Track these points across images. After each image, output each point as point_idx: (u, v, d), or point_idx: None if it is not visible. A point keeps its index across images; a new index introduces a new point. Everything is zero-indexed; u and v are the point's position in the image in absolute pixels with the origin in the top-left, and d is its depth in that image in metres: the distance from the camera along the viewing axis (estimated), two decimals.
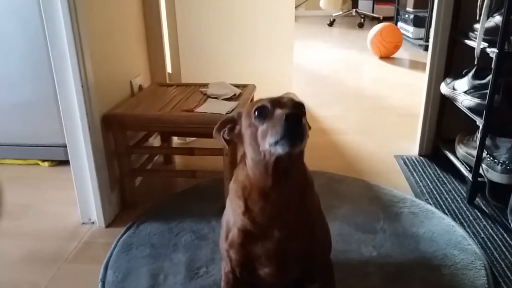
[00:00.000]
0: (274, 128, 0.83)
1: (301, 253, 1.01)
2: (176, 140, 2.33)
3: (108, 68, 1.73)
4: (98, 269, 1.43)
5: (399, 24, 5.60)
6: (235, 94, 1.84)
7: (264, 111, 0.87)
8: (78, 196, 1.67)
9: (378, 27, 4.47)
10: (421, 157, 2.23)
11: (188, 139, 2.34)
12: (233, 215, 0.98)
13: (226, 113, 1.61)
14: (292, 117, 0.81)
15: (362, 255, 1.48)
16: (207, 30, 2.43)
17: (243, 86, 1.96)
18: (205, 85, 1.95)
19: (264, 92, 3.17)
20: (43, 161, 2.16)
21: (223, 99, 1.79)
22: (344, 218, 1.68)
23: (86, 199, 1.66)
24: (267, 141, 0.84)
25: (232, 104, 1.70)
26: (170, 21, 2.22)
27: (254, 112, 0.87)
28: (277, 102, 0.88)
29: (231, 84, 1.94)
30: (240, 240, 0.97)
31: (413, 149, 2.31)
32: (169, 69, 2.28)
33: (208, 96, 1.83)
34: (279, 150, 0.83)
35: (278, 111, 0.85)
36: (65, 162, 1.90)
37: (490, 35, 1.75)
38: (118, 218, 1.73)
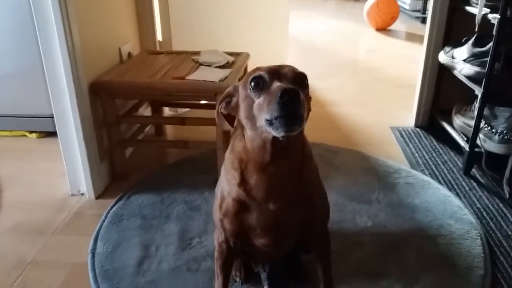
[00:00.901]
0: (269, 105, 0.75)
1: (299, 223, 0.98)
2: (167, 112, 2.27)
3: (96, 35, 1.66)
4: (88, 241, 1.40)
5: None
6: (228, 62, 1.78)
7: (261, 81, 0.80)
8: (67, 167, 1.62)
9: None
10: (417, 128, 2.20)
11: (180, 110, 2.28)
12: (228, 185, 0.94)
13: (219, 81, 1.56)
14: (289, 93, 0.73)
15: (357, 225, 1.46)
16: None
17: (236, 54, 1.90)
18: (197, 53, 1.89)
19: (258, 62, 3.08)
20: (31, 132, 2.11)
21: (216, 67, 1.74)
22: (339, 189, 1.65)
23: (75, 170, 1.62)
24: (262, 118, 0.77)
25: (225, 71, 1.65)
26: None
27: (250, 82, 0.81)
28: (275, 72, 0.81)
29: (225, 53, 1.88)
30: (234, 209, 0.93)
31: (409, 120, 2.27)
32: (159, 36, 2.21)
33: (200, 64, 1.77)
34: (273, 132, 0.77)
35: (276, 84, 0.78)
36: (53, 134, 1.85)
37: (492, 1, 1.69)
38: (108, 190, 1.69)
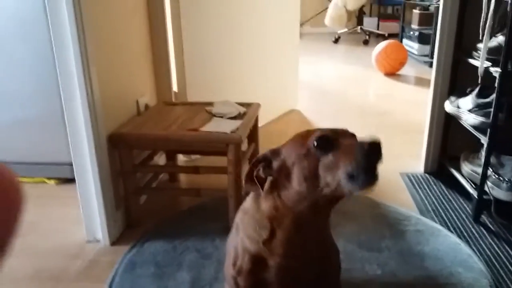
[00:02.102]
0: (350, 159, 0.76)
1: (315, 277, 1.01)
2: (181, 158, 2.34)
3: (115, 87, 1.75)
4: None
5: (404, 41, 5.64)
6: (240, 113, 1.86)
7: (327, 141, 0.81)
8: (84, 214, 1.68)
9: (383, 44, 4.50)
10: (426, 174, 2.23)
11: (194, 156, 2.35)
12: (248, 241, 0.96)
13: (231, 132, 1.63)
14: (375, 147, 0.75)
15: (367, 274, 1.48)
16: (213, 48, 2.47)
17: (247, 105, 1.98)
18: (211, 104, 1.97)
19: (270, 109, 3.20)
20: (49, 178, 2.18)
21: (228, 118, 1.81)
22: (348, 236, 1.68)
23: (91, 217, 1.67)
24: (337, 175, 0.77)
25: (237, 123, 1.72)
26: (176, 40, 2.25)
27: (316, 141, 0.81)
28: (337, 131, 0.85)
29: (236, 103, 1.96)
30: (250, 267, 0.96)
31: (418, 166, 2.30)
32: (175, 87, 2.31)
33: (213, 115, 1.85)
34: (351, 187, 0.76)
35: (348, 141, 0.80)
36: (71, 180, 1.92)
37: (493, 55, 1.76)
38: (123, 236, 1.74)
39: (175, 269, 1.52)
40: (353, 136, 0.85)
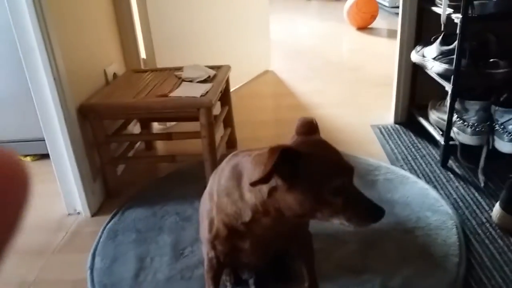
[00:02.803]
0: (357, 213, 0.84)
1: (285, 239, 1.07)
2: (156, 126, 2.35)
3: (80, 58, 1.73)
4: (86, 258, 1.48)
5: None
6: (209, 76, 1.86)
7: (342, 187, 0.82)
8: (61, 188, 1.70)
9: None
10: (396, 125, 2.29)
11: (169, 124, 2.36)
12: (225, 218, 0.98)
13: (201, 96, 1.64)
14: (380, 214, 0.85)
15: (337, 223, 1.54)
16: (179, 12, 2.43)
17: (217, 68, 1.98)
18: (180, 69, 1.97)
19: (242, 72, 3.19)
20: (25, 156, 2.18)
21: (198, 82, 1.82)
22: None
23: (70, 190, 1.69)
24: (341, 219, 0.84)
25: (207, 86, 1.73)
26: (140, 6, 2.21)
27: (332, 189, 0.81)
28: (350, 173, 0.85)
29: (206, 66, 1.96)
30: (226, 233, 1.00)
31: (388, 117, 2.36)
32: (143, 54, 2.29)
33: (183, 80, 1.85)
34: (346, 225, 0.85)
35: (356, 190, 0.85)
36: (47, 156, 1.92)
37: (455, 1, 1.78)
38: (103, 207, 1.77)
39: (156, 233, 1.57)
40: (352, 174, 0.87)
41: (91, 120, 1.68)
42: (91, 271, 1.41)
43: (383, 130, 2.24)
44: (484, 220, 1.53)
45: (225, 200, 0.96)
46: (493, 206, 1.56)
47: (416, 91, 2.28)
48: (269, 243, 1.04)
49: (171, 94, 1.67)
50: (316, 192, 0.81)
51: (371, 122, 2.34)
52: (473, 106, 1.80)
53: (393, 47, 2.28)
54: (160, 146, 2.24)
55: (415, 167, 1.88)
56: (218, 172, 1.02)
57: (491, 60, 1.81)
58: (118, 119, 1.89)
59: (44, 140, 1.71)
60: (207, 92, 1.67)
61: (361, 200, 0.86)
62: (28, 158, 2.17)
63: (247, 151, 1.01)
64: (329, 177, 0.82)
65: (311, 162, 0.82)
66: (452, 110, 1.81)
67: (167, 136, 1.82)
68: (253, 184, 0.82)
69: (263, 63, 3.29)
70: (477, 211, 1.58)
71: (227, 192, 0.95)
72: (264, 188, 0.86)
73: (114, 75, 2.01)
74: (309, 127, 0.92)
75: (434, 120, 2.02)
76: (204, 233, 1.06)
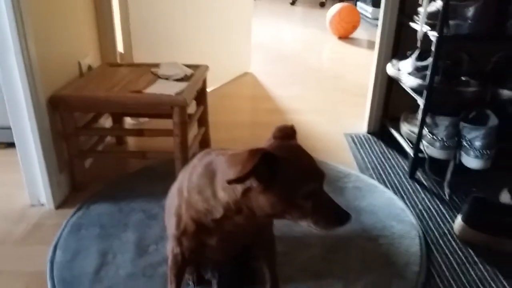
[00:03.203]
0: (324, 217, 0.87)
1: (251, 236, 1.08)
2: (129, 121, 2.32)
3: (54, 48, 1.70)
4: (47, 250, 1.44)
5: (359, 4, 5.67)
6: (186, 75, 1.85)
7: (313, 192, 0.86)
8: (26, 178, 1.66)
9: (336, 7, 4.52)
10: (369, 135, 2.32)
11: (142, 119, 2.34)
12: (194, 214, 0.98)
13: (176, 94, 1.63)
14: (345, 219, 0.88)
15: (306, 228, 1.54)
16: (161, 7, 2.41)
17: (195, 67, 1.97)
18: (157, 65, 1.95)
19: (221, 72, 3.17)
20: None
21: (174, 80, 1.80)
22: None
23: (34, 181, 1.65)
24: (310, 222, 0.87)
25: (183, 85, 1.72)
26: None
27: (304, 193, 0.85)
28: (322, 179, 0.89)
29: (184, 65, 1.95)
30: (194, 229, 1.00)
31: (362, 127, 2.39)
32: (120, 48, 2.26)
33: (159, 77, 1.83)
34: (314, 228, 0.89)
35: (326, 197, 0.89)
36: None
37: (432, 19, 1.82)
38: (69, 200, 1.74)
39: (121, 229, 1.55)
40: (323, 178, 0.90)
41: (61, 112, 1.65)
42: (51, 264, 1.38)
43: (355, 139, 2.27)
44: (446, 231, 1.57)
45: (196, 197, 0.97)
46: (456, 218, 1.60)
47: (389, 103, 2.32)
48: (236, 240, 1.05)
49: (146, 91, 1.66)
50: (288, 196, 0.85)
51: (345, 131, 2.37)
52: (443, 122, 1.84)
53: (372, 58, 2.31)
54: (132, 141, 2.21)
55: (384, 177, 1.91)
56: (189, 169, 1.02)
57: (463, 78, 1.86)
58: (89, 112, 1.86)
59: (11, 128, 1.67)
60: (182, 90, 1.66)
61: (329, 204, 0.89)
62: None
63: (220, 150, 1.02)
64: (302, 182, 0.86)
65: (287, 167, 0.85)
66: (422, 124, 1.84)
67: (138, 132, 1.80)
68: (230, 182, 0.83)
69: (243, 64, 3.29)
70: (440, 222, 1.62)
71: (199, 189, 0.96)
72: (239, 187, 0.88)
73: (89, 67, 1.98)
74: (286, 133, 0.95)
75: (405, 132, 2.06)
76: (171, 229, 1.06)
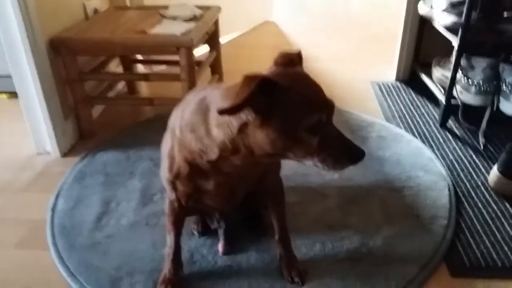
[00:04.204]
0: (332, 154, 0.74)
1: (253, 180, 0.96)
2: (142, 69, 2.22)
3: None
4: (50, 198, 1.38)
5: None
6: (195, 15, 1.71)
7: (320, 124, 0.73)
8: (30, 126, 1.59)
9: None
10: (397, 82, 2.14)
11: (156, 68, 2.22)
12: (188, 155, 0.87)
13: (181, 34, 1.50)
14: (358, 156, 0.75)
15: (323, 178, 1.43)
16: None
17: (206, 8, 1.83)
18: (166, 7, 1.82)
19: (241, 20, 2.98)
20: (1, 93, 2.06)
21: (182, 21, 1.67)
22: None
23: (39, 129, 1.59)
24: (315, 160, 0.75)
25: (190, 25, 1.58)
26: None
27: (310, 125, 0.72)
28: (330, 109, 0.76)
29: (196, 6, 1.80)
30: (188, 171, 0.89)
31: (390, 74, 2.21)
32: None
33: (166, 18, 1.70)
34: (323, 168, 0.76)
35: (335, 131, 0.75)
36: None
37: None
38: (75, 148, 1.67)
39: (127, 178, 1.47)
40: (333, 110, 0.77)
41: (63, 56, 1.55)
42: (52, 212, 1.32)
43: (382, 87, 2.10)
44: (480, 183, 1.41)
45: (189, 136, 0.84)
46: (491, 169, 1.44)
47: (421, 48, 2.12)
48: (235, 185, 0.93)
49: (150, 31, 1.53)
50: (290, 130, 0.73)
51: (371, 79, 2.19)
52: (480, 63, 1.65)
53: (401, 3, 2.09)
54: (144, 90, 2.11)
55: (412, 126, 1.75)
56: (182, 106, 0.90)
57: (505, 14, 1.64)
58: (92, 56, 1.75)
59: None
60: (189, 31, 1.53)
61: (339, 140, 0.76)
62: (4, 96, 2.06)
63: (217, 85, 0.89)
64: (305, 113, 0.72)
65: (288, 96, 0.72)
66: (457, 67, 1.66)
67: (144, 77, 1.68)
68: (222, 112, 0.71)
69: (265, 12, 3.11)
70: (473, 173, 1.46)
71: (192, 127, 0.84)
72: (234, 123, 0.76)
73: (95, 10, 1.86)
74: (291, 59, 0.81)
75: (437, 78, 1.87)
76: (164, 172, 0.95)
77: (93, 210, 1.32)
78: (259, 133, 0.74)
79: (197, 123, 0.83)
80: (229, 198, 0.97)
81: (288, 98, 0.72)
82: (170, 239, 1.06)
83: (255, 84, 0.68)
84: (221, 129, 0.79)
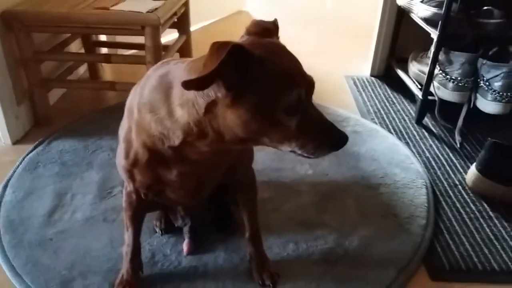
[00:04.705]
0: (312, 138, 0.67)
1: (221, 172, 0.86)
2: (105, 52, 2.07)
3: None
4: None
5: None
6: None
7: (298, 104, 0.65)
8: None
9: None
10: (372, 78, 2.09)
11: (121, 51, 2.07)
12: (147, 140, 0.76)
13: (147, 12, 1.38)
14: (341, 141, 0.69)
15: (297, 173, 1.36)
16: None
17: None
18: None
19: (214, 8, 2.85)
20: None
21: None
22: None
23: None
24: (292, 146, 0.67)
25: (156, 3, 1.46)
26: None
27: (287, 105, 0.64)
28: (310, 86, 0.68)
29: None
30: (147, 157, 0.78)
31: (365, 69, 2.15)
32: None
33: None
34: (300, 154, 0.68)
35: (315, 112, 0.68)
36: None
37: None
38: (29, 135, 1.53)
39: (84, 168, 1.35)
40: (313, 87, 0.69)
41: (16, 32, 1.41)
42: None
43: (357, 81, 2.04)
44: (457, 182, 1.37)
45: (148, 117, 0.73)
46: (468, 168, 1.40)
47: (397, 43, 2.07)
48: (202, 176, 0.83)
49: (113, 8, 1.41)
50: (265, 109, 0.64)
51: (346, 73, 2.13)
52: (459, 58, 1.60)
53: None
54: (108, 76, 1.98)
55: (388, 122, 1.70)
56: (142, 82, 0.79)
57: (485, 8, 1.61)
58: (48, 32, 1.60)
59: None
60: (155, 8, 1.41)
61: (320, 122, 0.68)
62: None
63: (182, 59, 0.79)
64: (284, 88, 0.63)
65: (263, 69, 0.63)
66: (435, 61, 1.61)
67: (105, 58, 1.54)
68: (188, 84, 0.61)
69: (238, 1, 3.00)
70: (450, 172, 1.42)
71: (152, 107, 0.73)
72: (200, 101, 0.66)
73: None
74: (266, 28, 0.72)
75: (413, 73, 1.83)
76: (120, 159, 0.84)
77: (45, 203, 1.20)
78: (229, 114, 0.64)
79: (157, 102, 0.72)
80: (194, 191, 0.87)
81: (264, 71, 0.62)
82: (128, 236, 0.95)
83: (226, 52, 0.58)
84: (185, 109, 0.68)
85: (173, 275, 1.00)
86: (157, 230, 1.11)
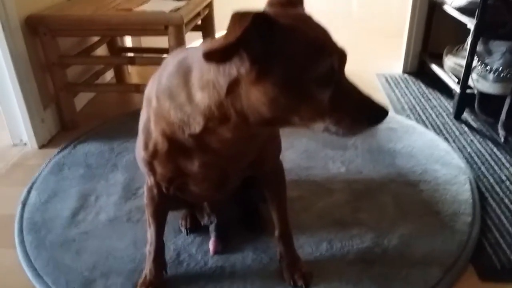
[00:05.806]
0: (347, 113, 0.59)
1: (248, 164, 0.81)
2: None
3: None
4: (23, 191, 1.23)
5: None
6: None
7: (333, 74, 0.59)
8: (5, 115, 1.45)
9: None
10: (405, 75, 2.00)
11: (147, 56, 2.06)
12: (166, 128, 0.71)
13: (170, 11, 1.35)
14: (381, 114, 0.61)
15: (329, 172, 1.28)
16: None
17: None
18: None
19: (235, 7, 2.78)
20: None
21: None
22: (312, 135, 1.47)
23: (15, 117, 1.44)
24: (327, 121, 0.59)
25: (180, 3, 1.44)
26: None
27: (318, 77, 0.57)
28: (342, 57, 0.61)
29: None
30: (167, 147, 0.73)
31: (396, 67, 2.07)
32: None
33: None
34: (346, 133, 0.61)
35: (346, 83, 0.61)
36: None
37: None
38: (56, 139, 1.52)
39: (109, 170, 1.32)
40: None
41: (41, 36, 1.41)
42: (22, 206, 1.17)
43: (389, 79, 1.96)
44: (504, 178, 1.26)
45: (167, 104, 0.69)
46: None
47: (429, 38, 1.98)
48: (226, 167, 0.77)
49: (136, 9, 1.39)
50: (295, 82, 0.57)
51: (377, 71, 2.05)
52: (499, 48, 1.51)
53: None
54: (134, 80, 1.97)
55: (424, 118, 1.61)
56: (160, 70, 0.75)
57: None
58: (73, 36, 1.60)
59: None
60: (178, 8, 1.38)
61: (355, 94, 0.60)
62: None
63: (200, 45, 0.74)
64: (314, 58, 0.57)
65: (291, 38, 0.57)
66: (473, 52, 1.51)
67: (129, 60, 1.53)
68: (209, 55, 0.55)
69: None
70: (496, 167, 1.31)
71: (170, 93, 0.68)
72: (222, 81, 0.60)
73: None
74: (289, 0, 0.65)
75: (449, 67, 1.73)
76: (139, 151, 0.79)
77: (69, 204, 1.17)
78: (254, 92, 0.58)
79: (176, 87, 0.67)
80: (219, 184, 0.81)
81: (291, 41, 0.56)
82: (150, 234, 0.91)
83: (250, 20, 0.52)
84: (205, 92, 0.63)
85: (199, 276, 0.94)
86: (183, 229, 1.06)
